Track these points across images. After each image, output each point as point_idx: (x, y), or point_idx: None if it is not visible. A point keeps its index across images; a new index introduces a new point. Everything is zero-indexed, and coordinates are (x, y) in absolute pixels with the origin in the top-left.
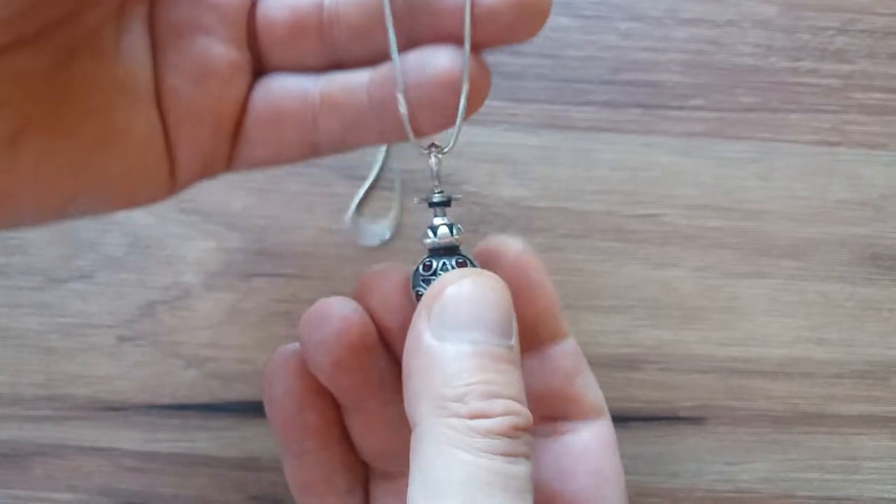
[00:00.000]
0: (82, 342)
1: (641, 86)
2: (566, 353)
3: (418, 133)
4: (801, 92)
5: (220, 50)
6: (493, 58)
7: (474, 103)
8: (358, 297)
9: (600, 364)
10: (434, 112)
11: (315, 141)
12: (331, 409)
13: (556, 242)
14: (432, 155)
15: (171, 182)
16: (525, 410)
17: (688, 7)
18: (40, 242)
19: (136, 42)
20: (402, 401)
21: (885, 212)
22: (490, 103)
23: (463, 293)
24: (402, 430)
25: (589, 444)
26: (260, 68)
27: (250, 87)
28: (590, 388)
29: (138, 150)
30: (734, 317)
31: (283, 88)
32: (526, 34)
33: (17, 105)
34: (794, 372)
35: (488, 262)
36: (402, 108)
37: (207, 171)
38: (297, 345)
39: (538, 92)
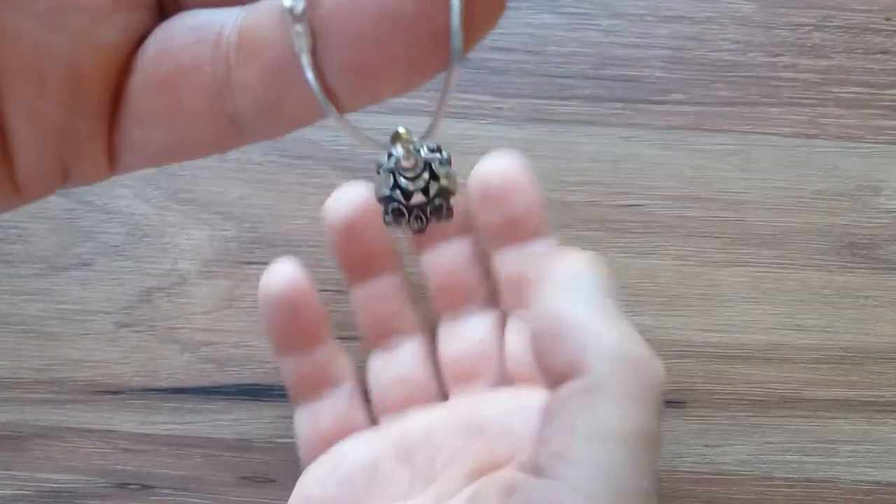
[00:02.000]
0: (81, 328)
1: (623, 81)
2: (545, 245)
3: (349, 104)
4: (779, 86)
5: None
6: (479, 54)
7: (478, 29)
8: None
9: None
10: (386, 56)
11: (231, 111)
12: (320, 311)
13: None
14: (397, 148)
15: (11, 186)
16: None
17: (668, 4)
18: (41, 231)
19: None
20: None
21: (861, 202)
22: (476, 97)
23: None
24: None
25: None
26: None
27: (142, 33)
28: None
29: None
30: (714, 303)
31: (190, 29)
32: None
33: None
34: (773, 357)
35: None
36: (305, 61)
37: (71, 171)
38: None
39: (523, 87)
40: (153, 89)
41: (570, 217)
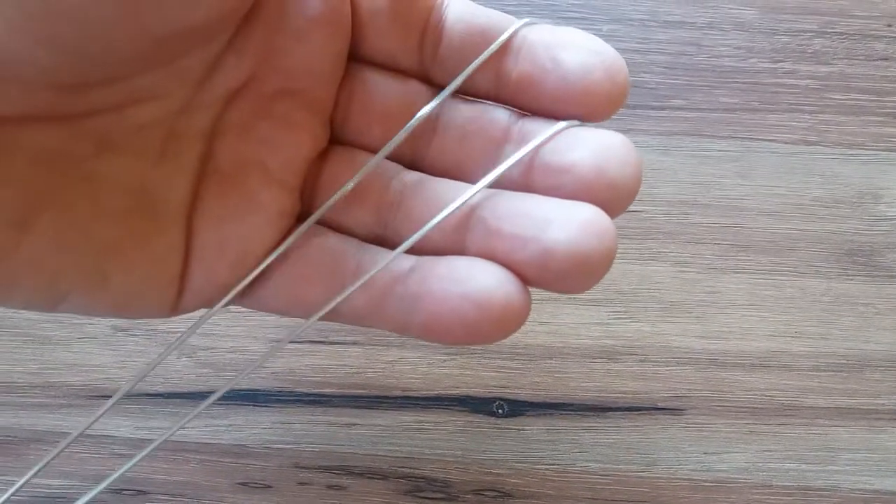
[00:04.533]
0: (77, 331)
1: None
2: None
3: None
4: (779, 92)
5: (272, 193)
6: None
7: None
8: None
9: (580, 355)
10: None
11: (337, 309)
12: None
13: None
14: None
15: (175, 305)
16: None
17: (669, 10)
18: None
19: (184, 153)
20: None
21: (861, 209)
22: None
23: None
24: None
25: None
26: (303, 214)
27: (288, 231)
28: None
29: (151, 267)
30: (713, 310)
31: (322, 247)
32: (577, 288)
33: (35, 186)
34: (772, 364)
35: None
36: None
37: (215, 302)
38: None
39: None
40: (289, 278)
41: None
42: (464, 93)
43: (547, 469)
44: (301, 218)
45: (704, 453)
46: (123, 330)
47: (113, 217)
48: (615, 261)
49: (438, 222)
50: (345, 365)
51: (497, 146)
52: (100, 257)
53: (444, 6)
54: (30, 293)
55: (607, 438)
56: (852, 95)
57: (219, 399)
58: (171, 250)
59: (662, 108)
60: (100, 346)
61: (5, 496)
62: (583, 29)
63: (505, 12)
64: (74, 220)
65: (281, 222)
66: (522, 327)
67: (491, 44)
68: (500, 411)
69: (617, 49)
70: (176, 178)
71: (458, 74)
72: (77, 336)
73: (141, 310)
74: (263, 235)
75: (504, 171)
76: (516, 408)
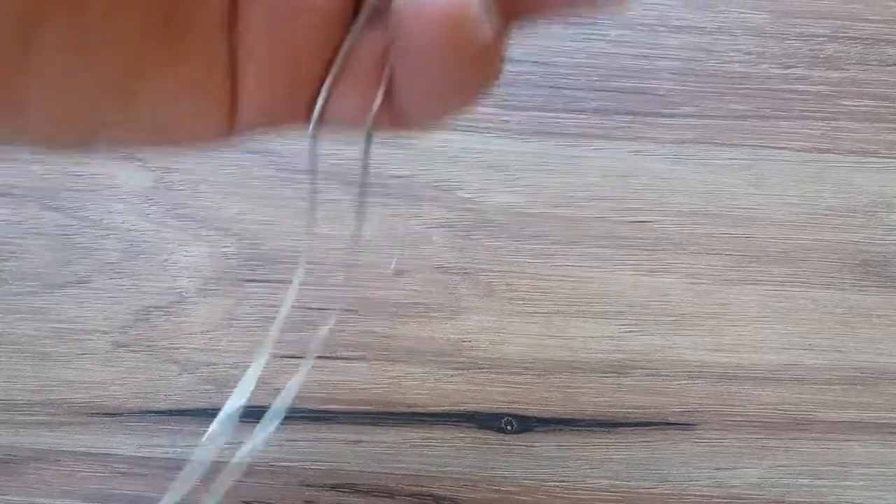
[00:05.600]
0: (77, 347)
1: (632, 93)
2: None
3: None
4: (791, 99)
5: None
6: None
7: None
8: None
9: (590, 370)
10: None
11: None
12: None
13: (547, 248)
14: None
15: (229, 122)
16: None
17: (678, 14)
18: (35, 248)
19: None
20: None
21: (875, 218)
22: (482, 110)
23: None
24: None
25: None
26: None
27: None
28: None
29: (192, 74)
30: (724, 323)
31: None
32: None
33: None
34: (785, 378)
35: None
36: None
37: (277, 118)
38: None
39: (529, 99)
40: (346, 80)
41: (578, 233)
42: None
43: (556, 486)
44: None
45: (716, 469)
46: (124, 346)
47: (135, 26)
48: (625, 272)
49: None
50: (350, 381)
51: None
52: (122, 71)
53: None
54: (49, 122)
55: (618, 454)
56: (865, 102)
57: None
58: (213, 53)
59: (672, 116)
60: (100, 363)
61: None
62: (591, 35)
63: None
64: (88, 23)
65: (332, 24)
66: (530, 341)
67: None
68: (508, 427)
69: (625, 55)
70: None
71: None
72: (77, 352)
73: (187, 128)
74: (313, 38)
75: None
76: (525, 424)
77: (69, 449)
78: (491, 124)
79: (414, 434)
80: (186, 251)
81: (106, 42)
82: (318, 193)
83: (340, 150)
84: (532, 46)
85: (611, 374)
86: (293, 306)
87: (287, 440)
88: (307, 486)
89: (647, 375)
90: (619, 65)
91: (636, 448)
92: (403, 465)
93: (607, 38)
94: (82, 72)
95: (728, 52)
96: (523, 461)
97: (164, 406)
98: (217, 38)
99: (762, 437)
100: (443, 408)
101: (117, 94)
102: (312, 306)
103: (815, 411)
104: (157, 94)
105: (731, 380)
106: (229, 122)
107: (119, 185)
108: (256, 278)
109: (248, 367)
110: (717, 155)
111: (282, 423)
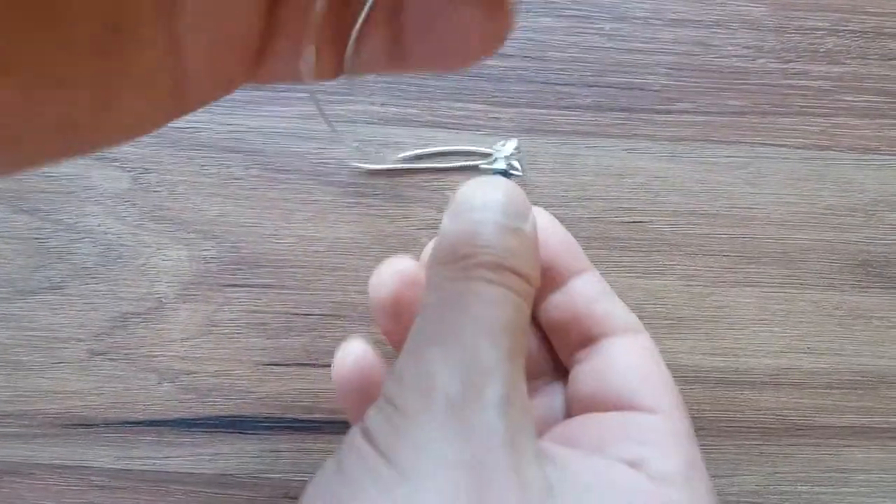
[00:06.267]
0: (52, 356)
1: (626, 88)
2: (587, 281)
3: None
4: (790, 95)
5: None
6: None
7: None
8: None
9: None
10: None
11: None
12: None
13: None
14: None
15: (182, 101)
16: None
17: (674, 7)
18: (7, 252)
19: None
20: None
21: (876, 217)
22: (470, 107)
23: (470, 186)
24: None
25: (627, 348)
26: None
27: None
28: (617, 308)
29: (138, 72)
30: (721, 326)
31: None
32: None
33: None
34: (783, 382)
35: None
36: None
37: (231, 83)
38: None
39: (520, 95)
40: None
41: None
42: None
43: None
44: None
45: (714, 476)
46: (101, 354)
47: (86, 52)
48: (620, 274)
49: None
50: (334, 389)
51: None
52: (82, 103)
53: None
54: (22, 151)
55: None
56: (866, 97)
57: (203, 426)
58: (153, 51)
59: (668, 112)
60: (76, 372)
61: None
62: (584, 28)
63: None
64: (49, 72)
65: None
66: None
67: None
68: None
69: (620, 49)
70: None
71: None
72: (51, 361)
73: (130, 112)
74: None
75: None
76: None
77: (44, 462)
78: (479, 122)
79: None
80: (165, 255)
81: (63, 77)
82: (301, 194)
83: (324, 149)
84: (522, 40)
85: None
86: (280, 312)
87: (270, 451)
88: (291, 498)
89: None
90: (612, 59)
91: None
92: None
93: (601, 32)
94: (43, 110)
95: (725, 46)
96: None
97: (142, 417)
98: (155, 26)
99: (760, 443)
100: None
101: (90, 114)
102: (297, 312)
103: (814, 416)
104: (104, 98)
105: (728, 384)
106: (183, 102)
107: (94, 187)
108: (238, 283)
109: (229, 375)
110: (714, 153)
111: (265, 434)
